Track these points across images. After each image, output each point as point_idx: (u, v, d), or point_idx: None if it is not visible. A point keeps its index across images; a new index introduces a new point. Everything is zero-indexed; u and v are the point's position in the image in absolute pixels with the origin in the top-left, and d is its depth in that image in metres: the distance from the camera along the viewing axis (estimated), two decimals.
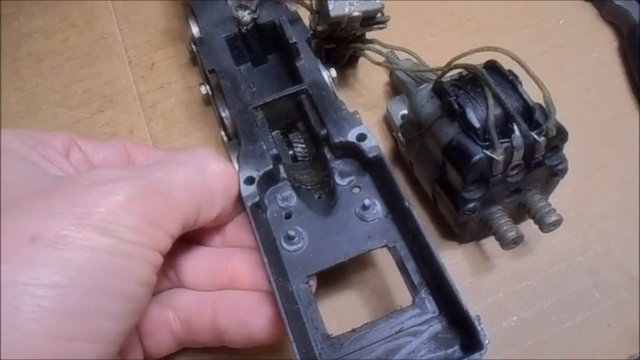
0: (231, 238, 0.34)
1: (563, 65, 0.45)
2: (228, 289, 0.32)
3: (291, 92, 0.35)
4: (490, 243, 0.38)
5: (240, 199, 0.33)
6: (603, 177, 0.40)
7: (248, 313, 0.31)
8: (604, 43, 0.46)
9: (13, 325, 0.22)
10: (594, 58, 0.45)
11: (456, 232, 0.36)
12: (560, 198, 0.36)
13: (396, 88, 0.44)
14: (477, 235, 0.38)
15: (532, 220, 0.35)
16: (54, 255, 0.24)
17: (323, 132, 0.33)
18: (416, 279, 0.30)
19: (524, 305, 0.36)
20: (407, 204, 0.30)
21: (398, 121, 0.40)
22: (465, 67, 0.33)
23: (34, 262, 0.23)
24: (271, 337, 0.31)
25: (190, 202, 0.29)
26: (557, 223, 0.33)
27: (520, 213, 0.36)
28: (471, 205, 0.33)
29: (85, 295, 0.24)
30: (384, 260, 0.37)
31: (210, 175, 0.31)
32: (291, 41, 0.36)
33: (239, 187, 0.31)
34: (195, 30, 0.39)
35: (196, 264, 0.33)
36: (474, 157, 0.31)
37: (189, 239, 0.34)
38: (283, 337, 0.31)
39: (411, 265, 0.30)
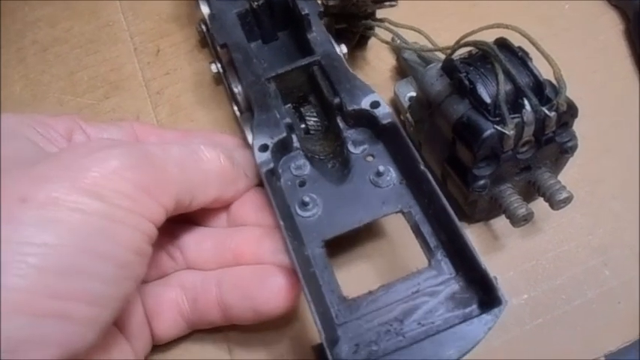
0: (235, 216, 0.34)
1: (570, 49, 0.45)
2: (233, 266, 0.32)
3: (303, 64, 0.35)
4: (499, 223, 0.38)
5: (240, 179, 0.33)
6: (611, 157, 0.40)
7: (252, 287, 0.31)
8: (610, 26, 0.46)
9: None
10: (600, 41, 0.46)
11: (466, 211, 0.36)
12: (570, 178, 0.36)
13: (403, 71, 0.44)
14: (486, 215, 0.38)
15: (542, 199, 0.35)
16: (43, 215, 0.24)
17: (336, 101, 0.33)
18: (432, 242, 0.30)
19: (534, 283, 0.35)
20: (422, 167, 0.30)
21: (405, 103, 0.40)
22: (474, 43, 0.33)
23: (23, 221, 0.24)
24: (277, 309, 0.30)
25: (184, 180, 0.30)
26: (567, 200, 0.33)
27: (529, 192, 0.36)
28: (482, 182, 0.33)
29: (75, 255, 0.24)
30: (396, 230, 0.37)
31: (202, 158, 0.31)
32: (303, 12, 0.36)
33: (254, 156, 0.31)
34: (204, 9, 0.39)
35: (201, 244, 0.33)
36: (485, 133, 0.31)
37: (194, 221, 0.34)
38: (290, 311, 0.31)
39: (426, 229, 0.30)
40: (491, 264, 0.36)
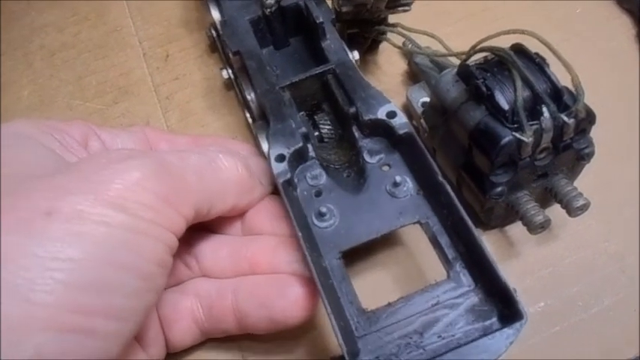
0: (250, 225, 0.34)
1: (581, 53, 0.45)
2: (248, 275, 0.32)
3: (318, 72, 0.35)
4: (515, 229, 0.37)
5: (256, 188, 0.33)
6: (625, 163, 0.39)
7: (269, 295, 0.30)
8: (622, 31, 0.46)
9: (24, 296, 0.22)
10: (612, 46, 0.45)
11: (482, 218, 0.36)
12: (585, 184, 0.36)
13: (415, 75, 0.44)
14: (501, 222, 0.37)
15: (558, 205, 0.34)
16: (69, 229, 0.24)
17: (352, 110, 0.33)
18: (450, 253, 0.29)
19: (550, 291, 0.35)
20: (440, 178, 0.29)
21: (419, 109, 0.40)
22: (491, 49, 0.33)
23: (50, 235, 0.23)
24: (294, 319, 0.30)
25: (202, 189, 0.30)
26: (584, 207, 0.33)
27: (546, 198, 0.36)
28: (499, 189, 0.33)
29: (99, 269, 0.24)
30: (413, 240, 0.36)
31: (220, 167, 0.31)
32: (318, 21, 0.36)
33: (270, 166, 0.31)
34: (215, 14, 0.39)
35: (216, 252, 0.33)
36: (503, 140, 0.31)
37: (209, 229, 0.34)
38: (306, 320, 0.31)
39: (444, 240, 0.30)
40: (508, 271, 0.35)
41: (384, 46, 0.45)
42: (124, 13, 0.51)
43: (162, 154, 0.30)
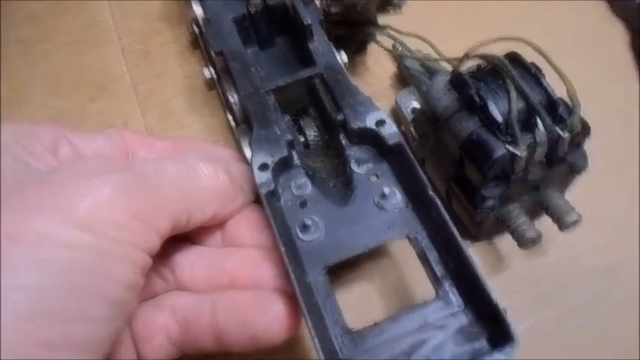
0: (231, 236, 0.32)
1: (573, 60, 0.43)
2: (228, 290, 0.31)
3: (304, 76, 0.34)
4: (504, 242, 0.36)
5: (238, 196, 0.31)
6: (617, 176, 0.39)
7: (251, 312, 0.29)
8: (615, 38, 0.45)
9: None
10: (605, 53, 0.44)
11: (471, 231, 0.35)
12: (576, 197, 0.35)
13: (405, 79, 0.42)
14: (491, 235, 0.36)
15: (549, 219, 0.33)
16: (34, 255, 0.22)
17: (339, 117, 0.32)
18: (439, 271, 0.28)
19: (540, 307, 0.34)
20: (430, 192, 0.28)
21: (408, 115, 0.38)
22: (485, 57, 0.31)
23: (15, 264, 0.21)
24: (276, 338, 0.29)
25: (181, 201, 0.28)
26: (576, 223, 0.32)
27: (536, 211, 0.35)
28: (490, 202, 0.31)
29: (63, 298, 0.22)
30: (401, 252, 0.35)
31: (200, 175, 0.30)
32: (305, 22, 0.34)
33: (253, 176, 0.30)
34: (198, 10, 0.37)
35: (194, 264, 0.31)
36: (496, 153, 0.29)
37: (187, 239, 0.33)
38: (290, 337, 0.29)
39: (433, 256, 0.28)
40: (496, 286, 0.34)
41: (372, 47, 0.43)
42: (102, 5, 0.49)
43: (137, 165, 0.28)
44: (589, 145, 0.32)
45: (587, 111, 0.31)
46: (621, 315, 0.34)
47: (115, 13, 0.48)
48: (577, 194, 0.35)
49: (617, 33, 0.45)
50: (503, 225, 0.33)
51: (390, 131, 0.31)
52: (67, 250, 0.23)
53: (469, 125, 0.31)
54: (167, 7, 0.48)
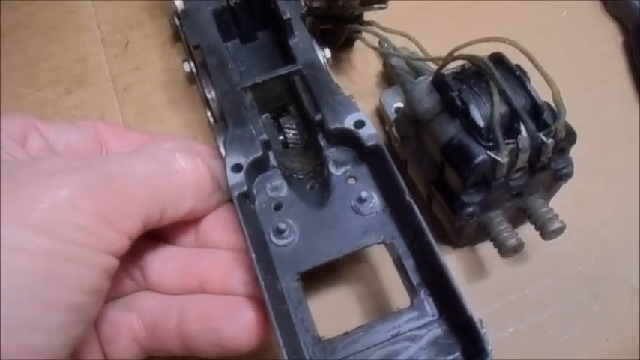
0: (205, 236, 0.31)
1: (565, 60, 0.43)
2: (197, 293, 0.30)
3: (283, 73, 0.33)
4: (485, 248, 0.36)
5: (216, 192, 0.30)
6: (604, 182, 0.38)
7: (219, 319, 0.28)
8: (608, 38, 0.44)
9: None
10: (598, 53, 0.43)
11: (451, 236, 0.34)
12: (560, 203, 0.34)
13: (390, 78, 0.41)
14: (472, 241, 0.35)
15: (531, 226, 0.32)
16: None
17: (317, 117, 0.31)
18: (415, 279, 0.27)
19: (520, 316, 0.34)
20: (408, 198, 0.27)
21: (392, 115, 0.37)
22: (469, 58, 0.30)
23: None
24: (245, 346, 0.28)
25: (152, 198, 0.27)
26: (559, 231, 0.31)
27: (519, 217, 0.34)
28: (470, 209, 0.31)
29: (17, 306, 0.21)
30: (380, 257, 0.34)
31: (176, 170, 0.28)
32: (284, 17, 0.33)
33: (225, 177, 0.29)
34: (177, 1, 0.36)
35: (164, 265, 0.30)
36: (477, 159, 0.28)
37: (159, 236, 0.31)
38: (259, 345, 0.28)
39: (409, 264, 0.28)
40: (476, 293, 0.34)
41: (359, 44, 0.42)
42: None
43: (102, 163, 0.27)
44: (576, 150, 0.31)
45: (575, 114, 0.30)
46: (603, 324, 0.33)
47: None
48: (562, 201, 0.34)
49: (609, 33, 0.44)
50: (484, 232, 0.32)
51: (368, 133, 0.30)
52: (22, 257, 0.21)
53: (450, 129, 0.30)
54: None
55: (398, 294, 0.29)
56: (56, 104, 0.42)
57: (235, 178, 0.29)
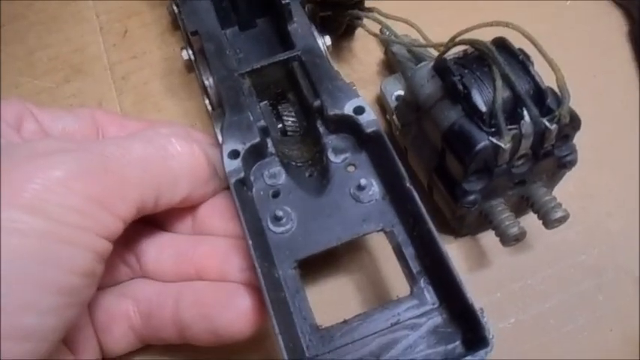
0: (202, 223, 0.31)
1: (569, 48, 0.42)
2: (194, 281, 0.29)
3: (281, 59, 0.32)
4: (487, 237, 0.35)
5: (213, 179, 0.30)
6: (608, 171, 0.37)
7: (214, 306, 0.28)
8: (613, 26, 0.43)
9: None
10: (602, 42, 0.43)
11: (453, 225, 0.34)
12: (563, 192, 0.33)
13: (391, 66, 0.41)
14: (474, 230, 0.35)
15: (534, 215, 0.32)
16: None
17: (316, 103, 0.30)
18: (414, 267, 0.27)
19: (522, 306, 0.33)
20: (408, 184, 0.27)
21: (392, 103, 0.37)
22: (471, 42, 0.30)
23: None
24: (241, 334, 0.27)
25: (147, 182, 0.27)
26: (562, 220, 0.31)
27: (522, 206, 0.33)
28: (472, 197, 0.30)
29: (11, 288, 0.21)
30: (380, 245, 0.34)
31: (172, 154, 0.28)
32: (283, 2, 0.33)
33: (222, 163, 0.28)
34: None
35: (161, 252, 0.30)
36: (478, 145, 0.28)
37: (155, 223, 0.31)
38: (256, 334, 0.28)
39: (409, 252, 0.27)
40: (478, 283, 0.34)
41: (360, 32, 0.42)
42: None
43: (100, 145, 0.26)
44: (580, 138, 0.31)
45: (580, 102, 0.30)
46: (607, 315, 0.33)
47: None
48: (564, 189, 0.34)
49: (614, 22, 0.43)
50: (486, 220, 0.32)
51: (368, 119, 0.29)
52: (14, 237, 0.21)
53: (451, 115, 0.29)
54: None
55: (397, 282, 0.28)
56: (54, 93, 0.42)
57: (232, 165, 0.28)
